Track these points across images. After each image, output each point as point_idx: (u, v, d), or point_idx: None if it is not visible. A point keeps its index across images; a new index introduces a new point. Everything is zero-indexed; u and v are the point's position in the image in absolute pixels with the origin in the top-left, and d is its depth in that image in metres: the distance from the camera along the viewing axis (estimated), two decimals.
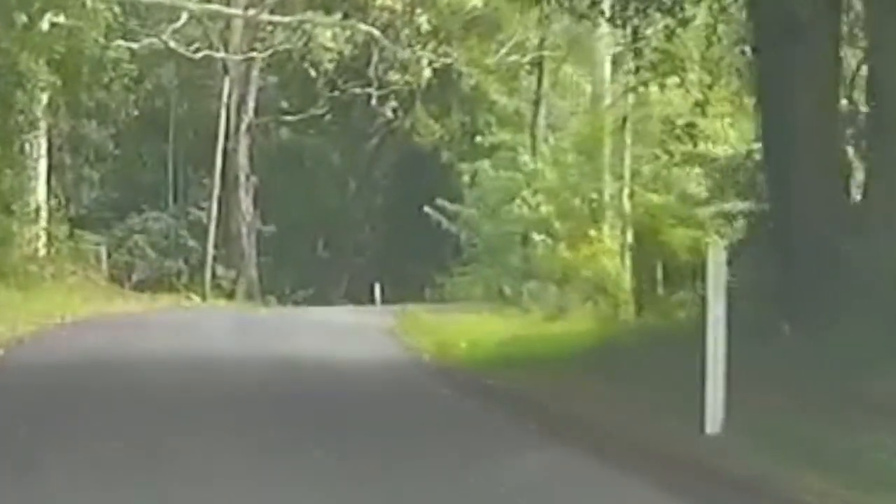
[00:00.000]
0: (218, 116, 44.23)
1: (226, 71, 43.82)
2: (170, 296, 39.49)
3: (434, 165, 53.29)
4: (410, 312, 32.11)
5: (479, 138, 41.12)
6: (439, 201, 40.32)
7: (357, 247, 54.36)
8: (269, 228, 46.90)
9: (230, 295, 43.97)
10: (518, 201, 33.43)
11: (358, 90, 46.87)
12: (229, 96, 43.57)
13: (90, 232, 41.72)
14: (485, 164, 37.42)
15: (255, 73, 45.25)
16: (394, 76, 43.36)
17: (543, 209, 32.88)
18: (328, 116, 53.12)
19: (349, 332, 26.50)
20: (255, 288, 45.51)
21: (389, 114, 45.11)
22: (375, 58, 44.07)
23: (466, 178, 40.53)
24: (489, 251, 36.90)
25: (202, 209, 45.09)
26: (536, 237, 32.53)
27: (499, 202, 36.07)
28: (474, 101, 47.95)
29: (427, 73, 43.50)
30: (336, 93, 47.40)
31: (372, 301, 48.78)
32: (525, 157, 34.90)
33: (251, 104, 45.52)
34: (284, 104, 49.35)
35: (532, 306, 30.56)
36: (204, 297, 41.63)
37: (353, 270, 53.25)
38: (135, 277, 42.07)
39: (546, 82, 40.48)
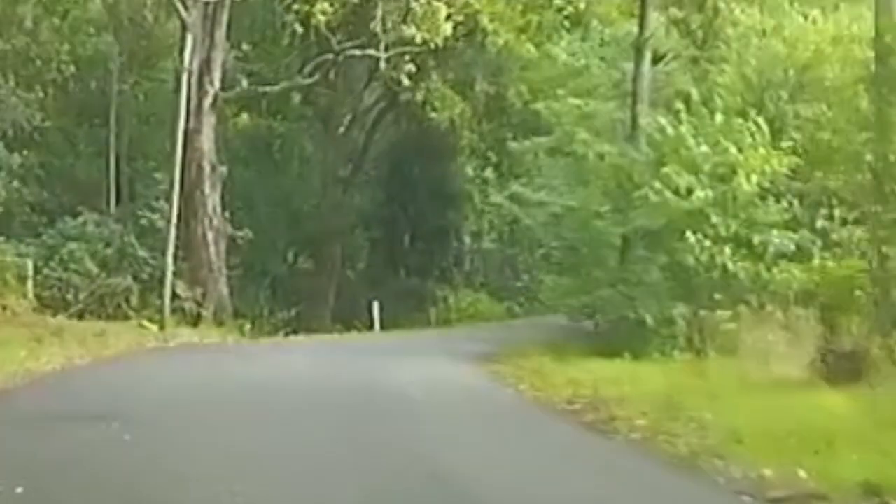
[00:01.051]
0: (176, 90, 33.81)
1: (184, 27, 33.32)
2: (125, 329, 29.12)
3: (445, 149, 43.53)
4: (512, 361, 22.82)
5: (539, 105, 30.76)
6: (518, 188, 29.97)
7: (346, 256, 44.06)
8: (243, 233, 36.36)
9: (195, 321, 33.52)
10: (653, 187, 23.07)
11: (358, 52, 36.48)
12: (190, 61, 33.01)
13: (7, 240, 31.48)
14: (581, 135, 26.88)
15: (221, 30, 34.75)
16: (406, 31, 32.86)
17: (700, 195, 22.64)
18: (308, 94, 43.14)
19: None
20: (226, 310, 35.06)
21: (406, 80, 34.57)
22: (380, 11, 33.63)
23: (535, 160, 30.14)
24: (595, 257, 26.55)
25: (155, 210, 34.62)
26: (692, 237, 22.26)
27: (612, 190, 25.75)
28: (502, 66, 37.86)
29: (447, 28, 33.23)
30: (329, 55, 37.01)
31: (370, 325, 38.63)
32: (660, 125, 24.26)
33: (217, 73, 35.04)
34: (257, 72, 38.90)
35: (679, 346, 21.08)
36: (162, 325, 31.18)
37: (341, 285, 42.98)
38: (72, 300, 31.51)
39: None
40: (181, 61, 33.11)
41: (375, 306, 39.32)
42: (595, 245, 26.44)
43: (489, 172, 47.77)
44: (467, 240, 47.76)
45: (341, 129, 44.41)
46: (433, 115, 38.22)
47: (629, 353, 21.23)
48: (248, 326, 35.28)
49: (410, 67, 34.40)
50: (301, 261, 42.72)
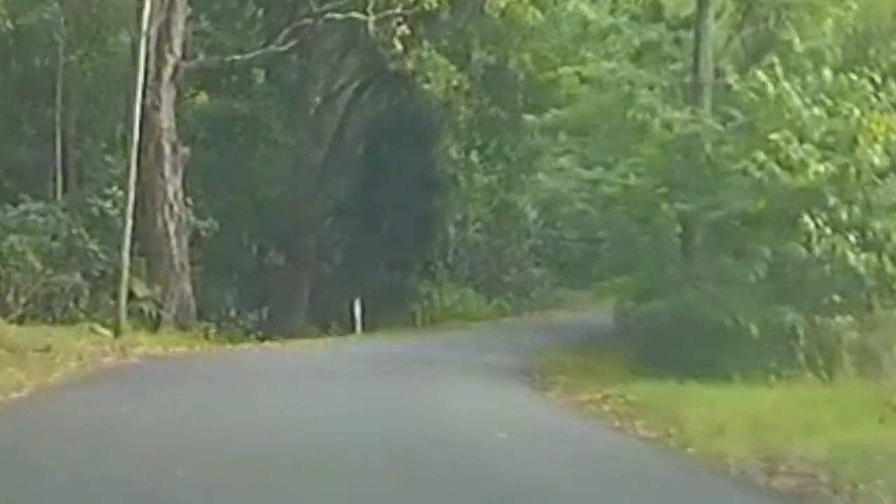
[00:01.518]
0: (131, 61, 29.44)
1: None
2: (74, 335, 24.75)
3: (428, 130, 39.46)
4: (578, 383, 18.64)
5: (564, 70, 26.53)
6: (564, 161, 25.83)
7: (320, 249, 39.68)
8: (207, 224, 32.01)
9: (154, 324, 29.24)
10: (756, 159, 18.64)
11: (339, 15, 32.16)
12: (148, 26, 28.58)
13: None
14: (642, 99, 22.30)
15: None
16: None
17: (820, 169, 18.22)
18: (274, 70, 38.96)
19: None
20: (189, 312, 30.75)
21: (398, 45, 30.27)
22: None
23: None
24: (659, 250, 22.31)
25: (108, 198, 30.15)
26: (810, 222, 17.90)
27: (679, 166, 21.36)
28: (502, 33, 33.62)
29: None
30: (307, 20, 32.69)
31: (352, 327, 34.40)
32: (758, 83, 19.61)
33: (177, 39, 30.68)
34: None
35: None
36: (117, 331, 26.87)
37: (316, 281, 38.64)
38: (12, 303, 27.02)
39: None
40: (138, 27, 28.64)
41: (357, 306, 35.11)
42: (658, 234, 22.06)
43: (474, 156, 43.56)
44: (452, 230, 43.47)
45: (313, 110, 40.04)
46: (426, 87, 33.79)
47: (734, 374, 16.81)
48: (213, 330, 31.13)
49: (404, 29, 30.08)
50: (271, 255, 38.33)
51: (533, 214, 45.78)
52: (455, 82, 33.89)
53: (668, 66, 23.49)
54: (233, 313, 34.03)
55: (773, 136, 18.37)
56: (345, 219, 41.08)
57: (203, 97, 39.35)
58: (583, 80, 25.68)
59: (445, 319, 39.30)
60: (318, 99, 40.49)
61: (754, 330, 18.25)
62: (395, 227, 41.21)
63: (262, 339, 31.21)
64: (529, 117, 28.19)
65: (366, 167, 41.12)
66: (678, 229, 22.11)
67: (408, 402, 16.36)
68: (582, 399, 16.71)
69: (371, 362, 22.13)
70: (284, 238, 38.86)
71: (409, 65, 32.70)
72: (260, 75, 40.97)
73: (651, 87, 21.58)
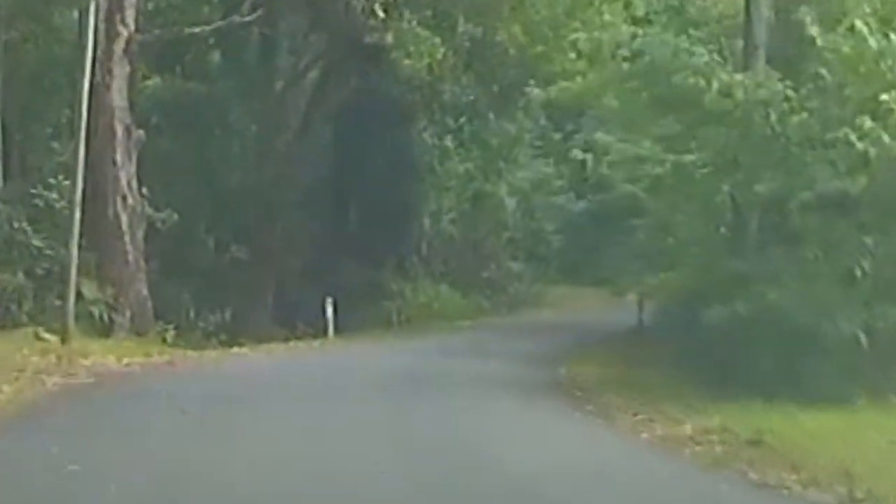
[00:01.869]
0: (79, 34, 26.24)
1: None
2: (16, 344, 21.68)
3: (402, 112, 36.62)
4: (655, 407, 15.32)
5: (577, 36, 23.44)
6: (602, 135, 22.59)
7: (286, 242, 36.53)
8: (164, 216, 28.85)
9: (107, 330, 26.16)
10: (860, 127, 15.54)
11: None
12: None
13: None
14: (698, 58, 18.91)
15: None
16: None
17: None
18: (232, 49, 35.92)
19: None
20: (145, 315, 27.58)
21: (380, 13, 27.17)
22: None
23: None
24: (713, 239, 19.27)
25: (53, 188, 27.01)
26: None
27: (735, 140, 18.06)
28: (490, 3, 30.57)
29: None
30: None
31: (324, 329, 31.35)
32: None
33: (130, 10, 27.47)
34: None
35: None
36: (65, 337, 23.72)
37: (283, 278, 35.50)
38: None
39: None
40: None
41: (329, 306, 31.99)
42: (712, 221, 19.00)
43: (449, 141, 40.51)
44: (427, 221, 40.41)
45: (276, 91, 36.90)
46: (406, 62, 30.67)
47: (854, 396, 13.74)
48: (171, 333, 27.98)
49: None
50: (232, 250, 35.01)
51: (511, 204, 42.93)
52: (439, 56, 30.74)
53: (694, 31, 20.26)
54: (192, 314, 30.94)
55: (884, 96, 15.26)
56: (312, 210, 37.94)
57: (156, 80, 36.12)
58: (593, 51, 22.41)
59: (422, 319, 36.39)
60: (281, 79, 37.34)
61: (861, 337, 15.17)
62: (367, 219, 38.34)
63: (226, 345, 28.14)
64: (535, 90, 24.88)
65: (334, 153, 38.15)
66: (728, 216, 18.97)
67: (440, 438, 13.18)
68: (670, 433, 13.46)
69: (364, 377, 19.01)
70: (247, 231, 35.67)
71: (389, 38, 29.55)
72: (217, 55, 37.86)
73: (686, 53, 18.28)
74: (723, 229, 19.41)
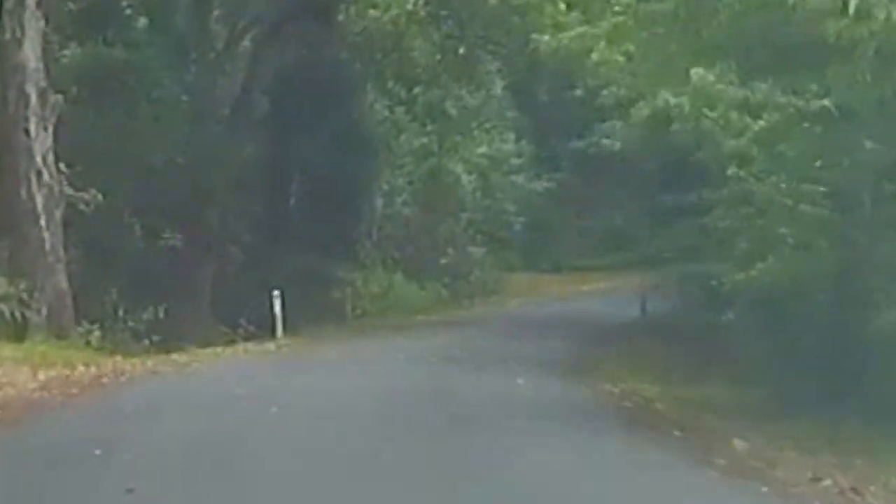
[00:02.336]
0: None
1: None
2: None
3: (350, 81, 32.94)
4: None
5: None
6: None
7: (225, 228, 32.36)
8: (88, 196, 24.67)
9: (20, 331, 22.06)
10: None
11: None
12: None
13: None
14: None
15: None
16: None
17: None
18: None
19: None
20: (65, 312, 23.37)
21: None
22: None
23: None
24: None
25: None
26: None
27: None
28: None
29: None
30: None
31: (272, 328, 27.33)
32: None
33: None
34: None
35: None
36: None
37: (222, 268, 31.38)
38: None
39: None
40: None
41: (277, 300, 27.90)
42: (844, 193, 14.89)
43: (401, 112, 36.56)
44: (379, 202, 36.41)
45: (211, 57, 32.77)
46: (372, 12, 26.59)
47: None
48: (96, 334, 23.83)
49: None
50: (165, 236, 30.71)
51: (470, 183, 39.08)
52: (409, 6, 26.68)
53: None
54: (120, 312, 26.71)
55: None
56: (253, 191, 33.89)
57: (75, 47, 31.94)
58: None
59: (378, 312, 32.42)
60: (216, 45, 33.18)
61: None
62: (313, 200, 34.42)
63: (161, 349, 24.07)
64: (543, 38, 20.69)
65: (276, 127, 34.00)
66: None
67: None
68: None
69: (351, 405, 14.45)
70: (180, 215, 31.37)
71: None
72: (143, 19, 33.72)
73: None
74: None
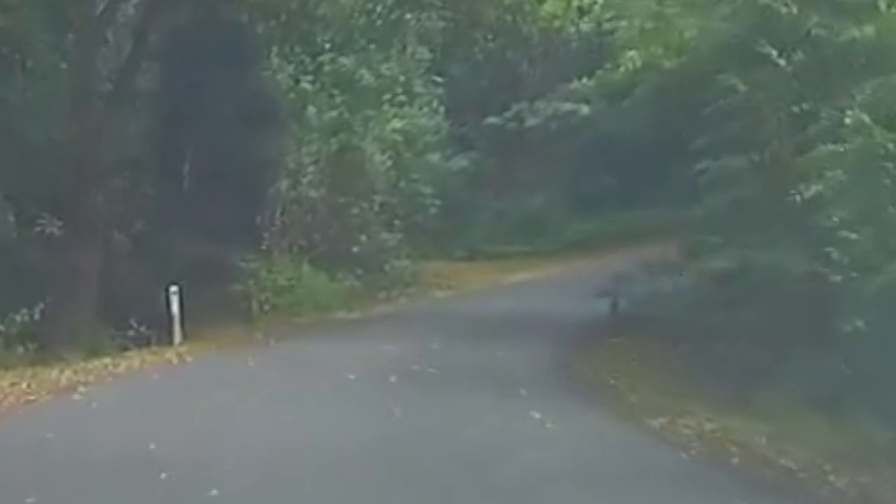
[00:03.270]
0: None
1: None
2: None
3: (250, 47, 29.70)
4: None
5: None
6: None
7: (112, 213, 28.51)
8: None
9: None
10: None
11: None
12: None
13: None
14: None
15: None
16: None
17: None
18: None
19: None
20: None
21: None
22: None
23: None
24: None
25: None
26: None
27: None
28: None
29: None
30: None
31: (169, 332, 23.66)
32: None
33: None
34: None
35: None
36: None
37: (109, 259, 27.53)
38: None
39: None
40: None
41: (174, 296, 24.22)
42: None
43: (306, 83, 32.89)
44: (285, 183, 32.68)
45: (94, 18, 28.85)
46: None
47: None
48: None
49: None
50: (42, 224, 26.62)
51: (383, 162, 35.48)
52: None
53: None
54: None
55: None
56: (143, 170, 29.91)
57: None
58: None
59: (287, 308, 28.77)
60: (99, 5, 29.23)
61: None
62: (209, 182, 30.31)
63: (39, 358, 20.24)
64: None
65: (168, 100, 30.00)
66: None
67: None
68: None
69: (325, 478, 10.51)
70: (59, 199, 27.28)
71: None
72: None
73: None
74: None
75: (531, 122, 44.67)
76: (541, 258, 40.43)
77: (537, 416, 13.35)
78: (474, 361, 18.23)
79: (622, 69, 21.32)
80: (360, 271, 33.43)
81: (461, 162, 41.32)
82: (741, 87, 15.96)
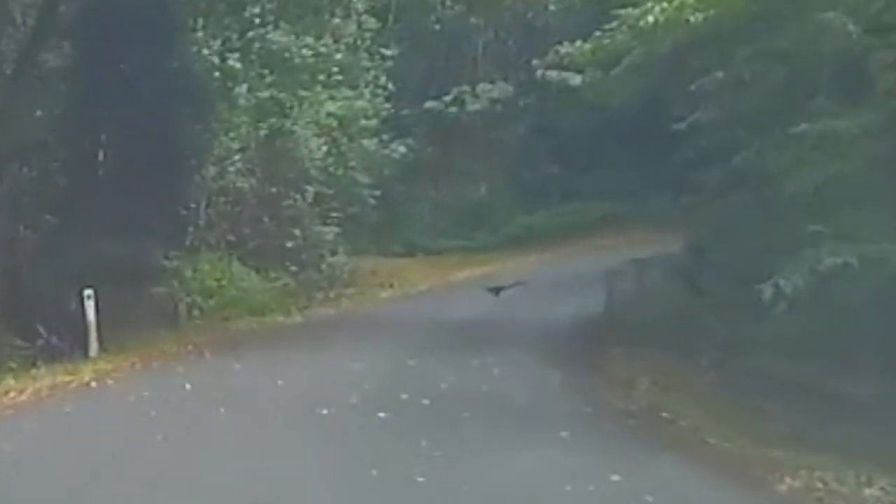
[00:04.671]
0: None
1: None
2: None
3: (170, 20, 26.81)
4: None
5: None
6: None
7: (16, 206, 25.47)
8: None
9: None
10: None
11: None
12: None
13: None
14: None
15: None
16: None
17: None
18: None
19: None
20: None
21: None
22: None
23: None
24: None
25: None
26: None
27: None
28: None
29: None
30: None
31: (83, 339, 20.67)
32: None
33: None
34: None
35: None
36: None
37: (12, 258, 24.56)
38: None
39: None
40: None
41: (89, 301, 21.26)
42: None
43: (233, 61, 29.96)
44: (210, 171, 29.66)
45: None
46: None
47: None
48: None
49: None
50: None
51: (319, 148, 32.56)
52: None
53: None
54: None
55: None
56: (52, 157, 26.84)
57: None
58: None
59: (219, 312, 25.78)
60: None
61: None
62: (126, 171, 27.29)
63: None
64: None
65: (81, 80, 26.97)
66: None
67: None
68: None
69: None
70: None
71: None
72: None
73: None
74: None
75: (473, 106, 42.02)
76: (484, 253, 37.87)
77: (615, 478, 10.23)
78: (468, 384, 15.23)
79: (625, 28, 18.56)
80: (294, 268, 30.55)
81: (399, 149, 38.44)
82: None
